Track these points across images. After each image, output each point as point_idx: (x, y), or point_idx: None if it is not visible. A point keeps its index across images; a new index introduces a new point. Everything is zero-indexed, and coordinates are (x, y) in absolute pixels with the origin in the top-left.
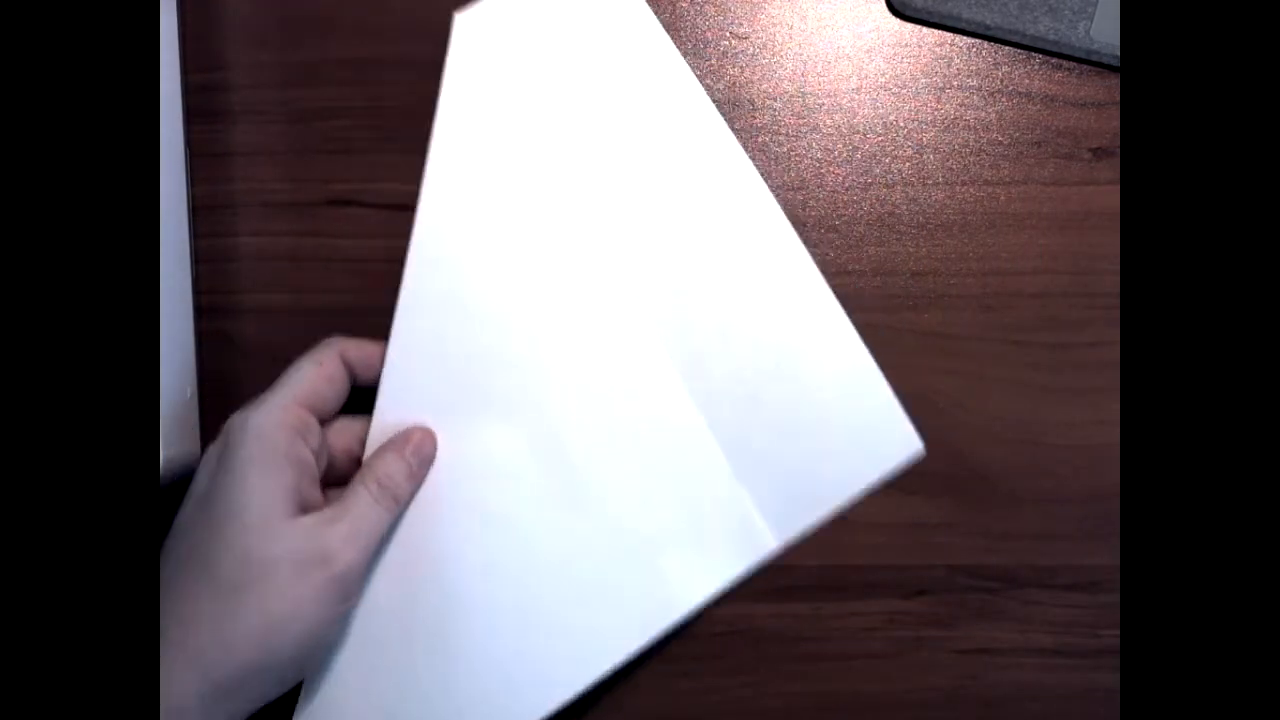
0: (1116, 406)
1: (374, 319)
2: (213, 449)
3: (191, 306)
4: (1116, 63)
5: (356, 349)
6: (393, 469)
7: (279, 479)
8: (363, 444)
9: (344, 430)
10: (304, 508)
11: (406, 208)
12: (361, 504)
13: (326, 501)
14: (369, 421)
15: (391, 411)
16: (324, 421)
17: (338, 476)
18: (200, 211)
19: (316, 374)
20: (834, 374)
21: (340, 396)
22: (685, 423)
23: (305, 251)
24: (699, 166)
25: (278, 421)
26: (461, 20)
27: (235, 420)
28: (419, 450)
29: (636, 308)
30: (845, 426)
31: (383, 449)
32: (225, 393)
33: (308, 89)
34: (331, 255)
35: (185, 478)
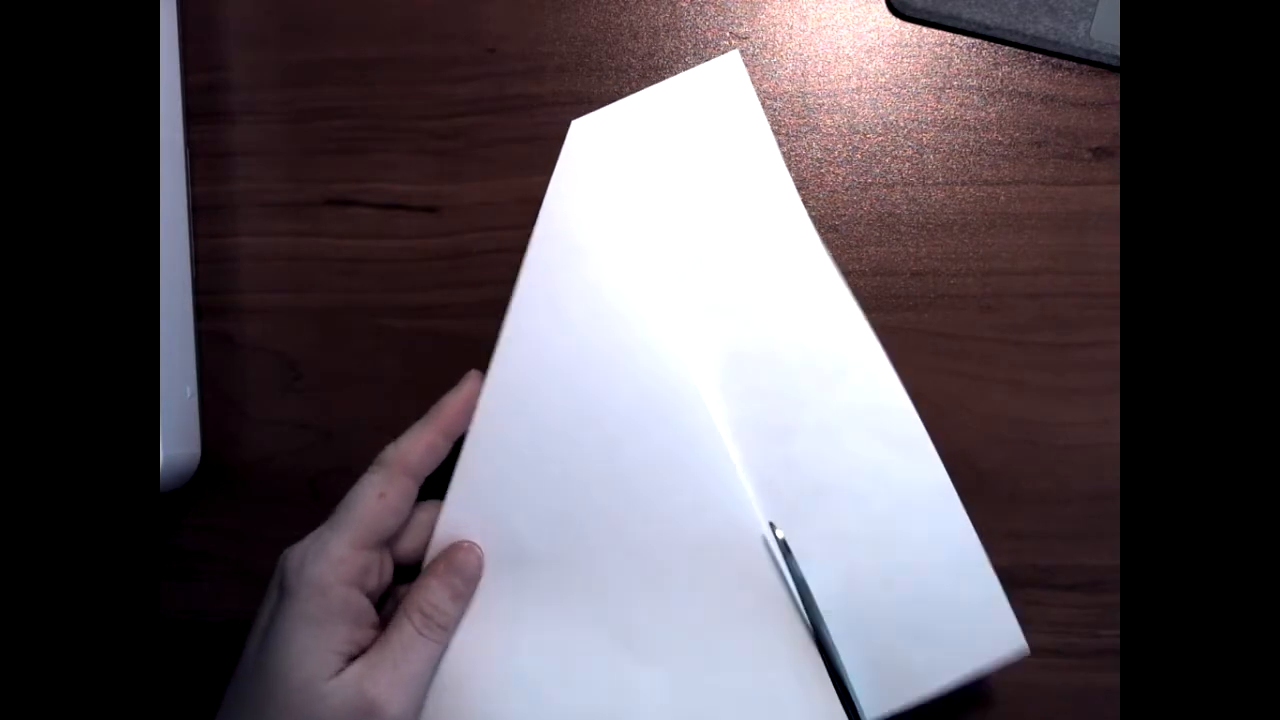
0: (1116, 406)
1: (374, 319)
2: (272, 587)
3: (191, 306)
4: (1116, 63)
5: (419, 454)
6: (436, 597)
7: (331, 638)
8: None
9: (412, 535)
10: (356, 652)
11: (406, 208)
12: (406, 640)
13: (378, 629)
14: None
15: (453, 532)
16: (390, 538)
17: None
18: (200, 211)
19: (380, 508)
20: (941, 553)
21: (406, 513)
22: (766, 580)
23: (305, 251)
24: (800, 297)
25: (336, 576)
26: (578, 126)
27: (293, 562)
28: (462, 570)
29: (727, 449)
30: (947, 611)
31: (424, 575)
32: (225, 393)
33: (308, 89)
34: (331, 255)
35: (185, 478)
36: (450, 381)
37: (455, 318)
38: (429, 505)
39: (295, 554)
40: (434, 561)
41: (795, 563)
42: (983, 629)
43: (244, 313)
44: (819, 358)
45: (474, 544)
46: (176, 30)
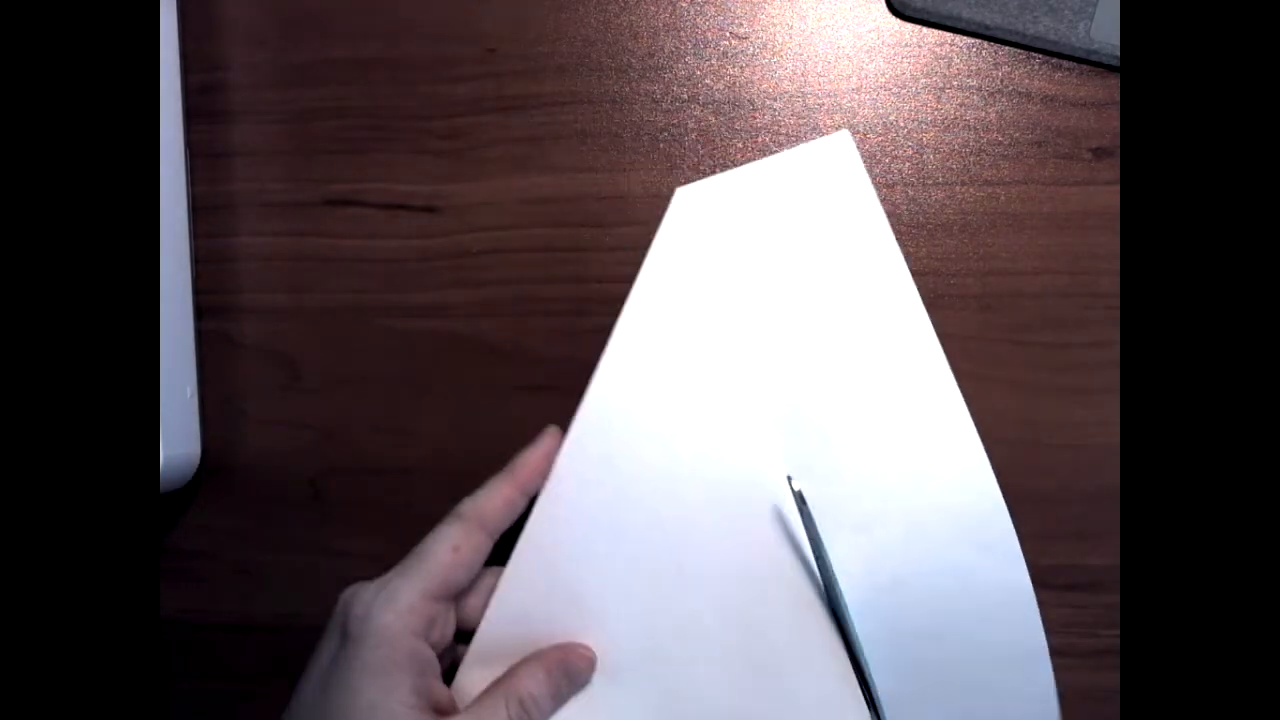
0: (1116, 406)
1: (374, 319)
2: (332, 629)
3: (191, 306)
4: (1116, 63)
5: (496, 509)
6: (538, 691)
7: (398, 689)
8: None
9: (476, 595)
10: (421, 704)
11: (406, 208)
12: None
13: (442, 681)
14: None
15: (513, 599)
16: (458, 593)
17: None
18: (200, 211)
19: (453, 561)
20: (1010, 659)
21: (477, 569)
22: (827, 656)
23: (305, 251)
24: (904, 385)
25: (404, 626)
26: (682, 194)
27: (358, 608)
28: (574, 676)
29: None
30: (1001, 701)
31: (531, 662)
32: (225, 393)
33: (308, 89)
34: (331, 255)
35: (185, 478)
36: (449, 381)
37: (455, 318)
38: (491, 570)
39: (361, 599)
40: (546, 651)
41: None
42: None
43: (244, 313)
44: (914, 450)
45: (592, 651)
46: (176, 30)
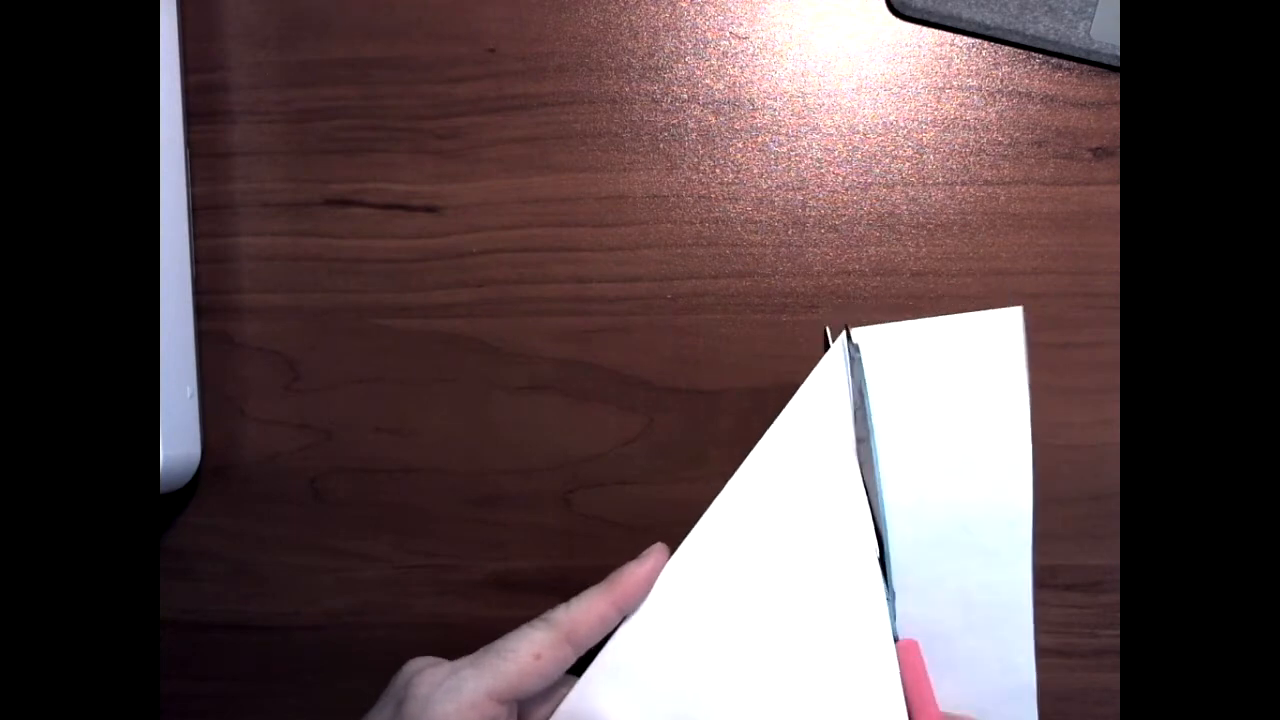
0: (1116, 406)
1: (374, 319)
2: (387, 700)
3: (191, 306)
4: (1116, 63)
5: (589, 625)
6: None
7: None
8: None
9: (544, 702)
10: None
11: (406, 208)
12: None
13: None
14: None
15: (583, 708)
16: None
17: None
18: (200, 211)
19: (531, 669)
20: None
21: (554, 680)
22: None
23: (305, 251)
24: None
25: (460, 718)
26: (855, 335)
27: (421, 687)
28: None
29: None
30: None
31: None
32: (225, 393)
33: (308, 89)
34: (331, 255)
35: (185, 478)
36: (449, 381)
37: (455, 318)
38: (565, 679)
39: (425, 680)
40: None
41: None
42: None
43: (244, 313)
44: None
45: None
46: (176, 30)
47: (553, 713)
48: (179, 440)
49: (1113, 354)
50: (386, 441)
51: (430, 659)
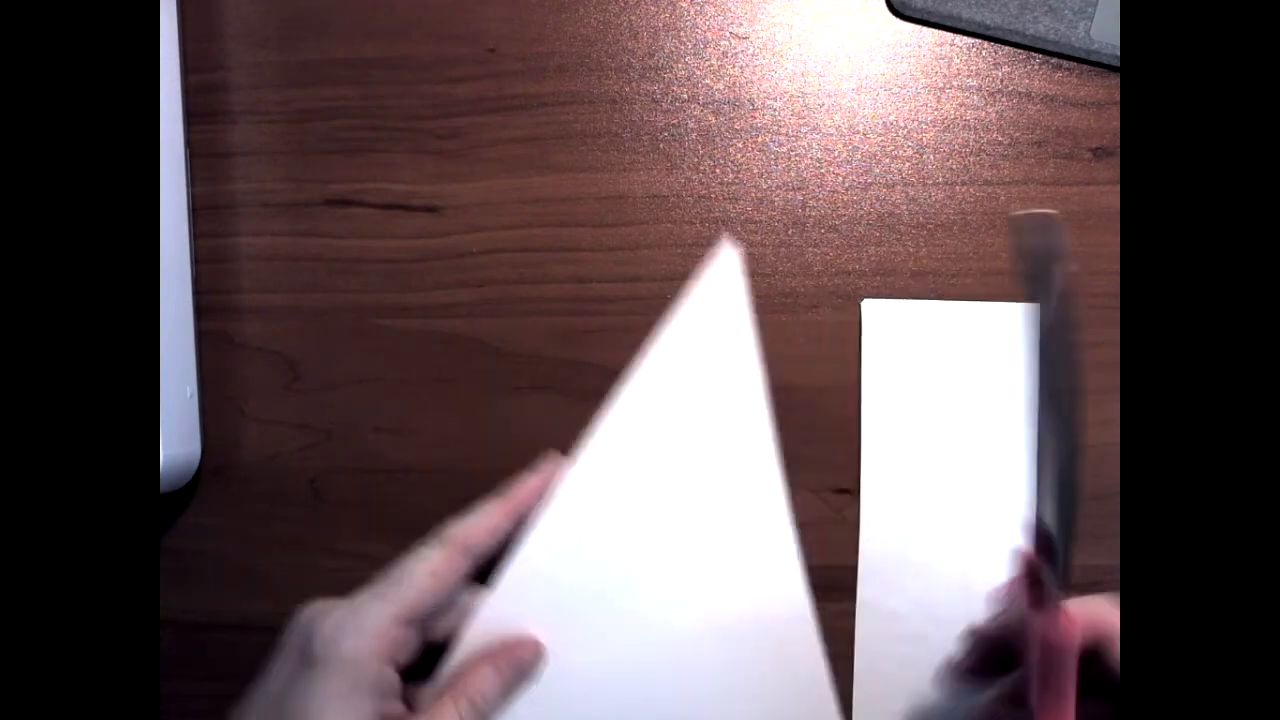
0: (1116, 406)
1: (374, 319)
2: (289, 648)
3: (191, 306)
4: (1116, 63)
5: (482, 536)
6: (486, 686)
7: (359, 714)
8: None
9: (450, 617)
10: None
11: (406, 208)
12: None
13: (408, 698)
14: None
15: (494, 621)
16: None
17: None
18: (200, 211)
19: (430, 585)
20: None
21: (453, 591)
22: (804, 638)
23: (305, 251)
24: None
25: (372, 652)
26: (730, 253)
27: (325, 628)
28: (518, 665)
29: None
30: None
31: (479, 662)
32: (225, 393)
33: (308, 89)
34: (331, 255)
35: (185, 478)
36: (449, 381)
37: (455, 318)
38: (466, 589)
39: (328, 621)
40: (492, 649)
41: None
42: None
43: (244, 313)
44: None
45: (539, 644)
46: (176, 30)
47: (458, 624)
48: (179, 440)
49: (1113, 354)
50: (386, 441)
51: (325, 601)
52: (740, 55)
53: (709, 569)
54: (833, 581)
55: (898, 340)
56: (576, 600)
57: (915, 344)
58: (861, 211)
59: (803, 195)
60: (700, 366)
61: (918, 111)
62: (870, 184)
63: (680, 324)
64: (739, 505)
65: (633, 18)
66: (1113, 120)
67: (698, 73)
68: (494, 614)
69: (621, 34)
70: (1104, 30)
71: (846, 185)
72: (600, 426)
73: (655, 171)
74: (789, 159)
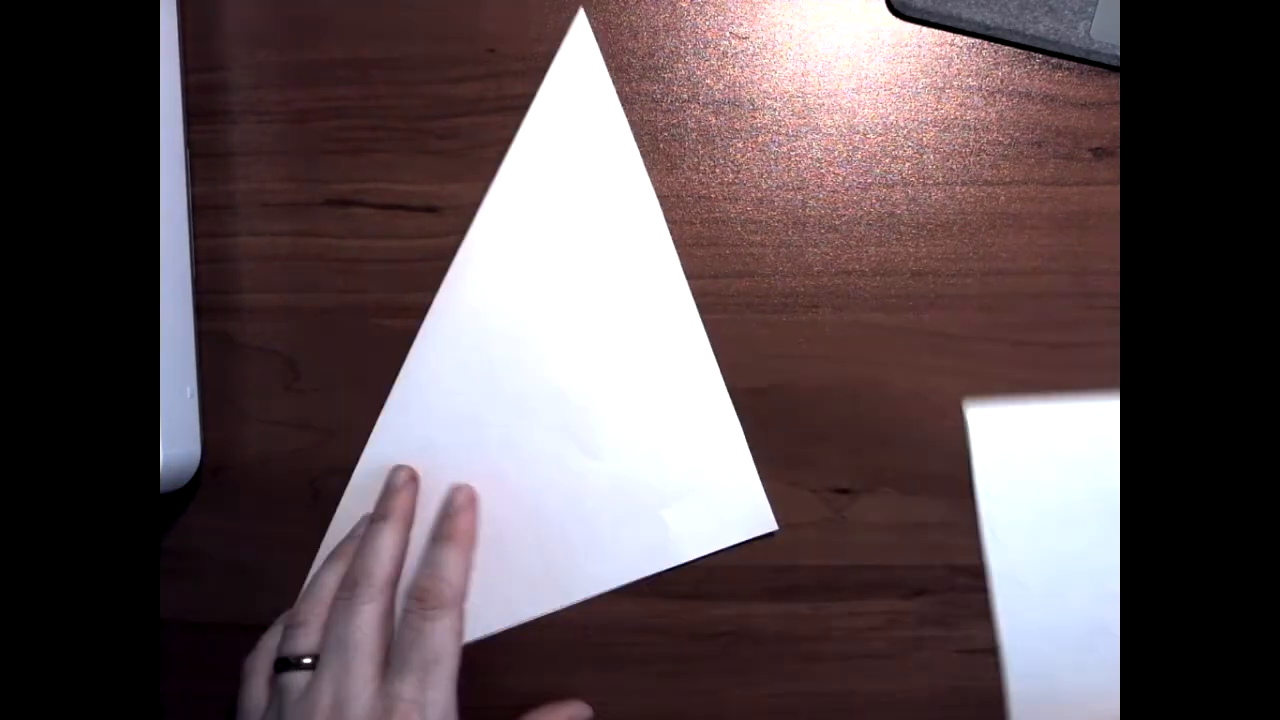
0: (1116, 406)
1: (374, 319)
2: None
3: (191, 306)
4: (1116, 63)
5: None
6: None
7: None
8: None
9: None
10: None
11: (406, 208)
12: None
13: None
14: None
15: (393, 426)
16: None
17: None
18: (200, 211)
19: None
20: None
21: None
22: (713, 393)
23: (305, 251)
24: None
25: None
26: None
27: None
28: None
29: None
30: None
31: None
32: (225, 393)
33: (308, 89)
34: (331, 255)
35: (185, 478)
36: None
37: None
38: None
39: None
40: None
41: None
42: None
43: (244, 313)
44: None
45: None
46: (176, 30)
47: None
48: (179, 440)
49: (1113, 354)
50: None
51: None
52: (740, 55)
53: (610, 337)
54: (833, 581)
55: (1006, 444)
56: (475, 384)
57: (1024, 446)
58: (861, 211)
59: (803, 195)
60: (572, 135)
61: (918, 111)
62: (870, 184)
63: (546, 97)
64: (631, 260)
65: (633, 18)
66: (1113, 120)
67: (698, 73)
68: (392, 420)
69: (621, 34)
70: (1104, 30)
71: (846, 185)
72: (482, 207)
73: (655, 171)
74: (789, 159)
